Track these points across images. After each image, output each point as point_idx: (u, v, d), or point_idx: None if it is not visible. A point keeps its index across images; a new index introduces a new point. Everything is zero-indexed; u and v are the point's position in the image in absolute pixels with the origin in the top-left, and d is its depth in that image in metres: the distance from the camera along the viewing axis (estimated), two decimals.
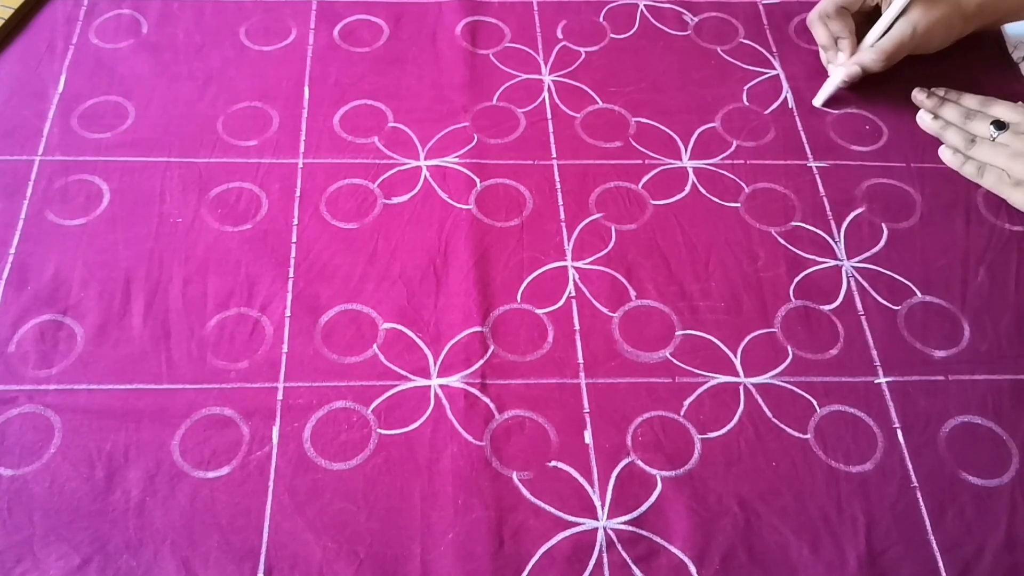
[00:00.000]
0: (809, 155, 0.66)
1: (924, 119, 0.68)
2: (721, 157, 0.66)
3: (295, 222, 0.61)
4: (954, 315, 0.59)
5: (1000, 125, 0.65)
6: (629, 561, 0.49)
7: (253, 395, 0.53)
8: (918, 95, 0.69)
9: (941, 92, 0.69)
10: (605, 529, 0.50)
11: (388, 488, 0.50)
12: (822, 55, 0.72)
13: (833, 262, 0.61)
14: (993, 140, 0.65)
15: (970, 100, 0.68)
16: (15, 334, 0.54)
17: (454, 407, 0.53)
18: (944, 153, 0.67)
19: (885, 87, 0.70)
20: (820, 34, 0.71)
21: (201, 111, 0.66)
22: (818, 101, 0.70)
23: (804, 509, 0.51)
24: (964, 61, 0.72)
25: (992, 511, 0.51)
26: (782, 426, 0.54)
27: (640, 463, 0.52)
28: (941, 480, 0.52)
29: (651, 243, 0.61)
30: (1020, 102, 0.67)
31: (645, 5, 0.76)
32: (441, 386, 0.54)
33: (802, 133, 0.68)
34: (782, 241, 0.62)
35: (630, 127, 0.67)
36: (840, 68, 0.69)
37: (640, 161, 0.65)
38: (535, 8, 0.75)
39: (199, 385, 0.53)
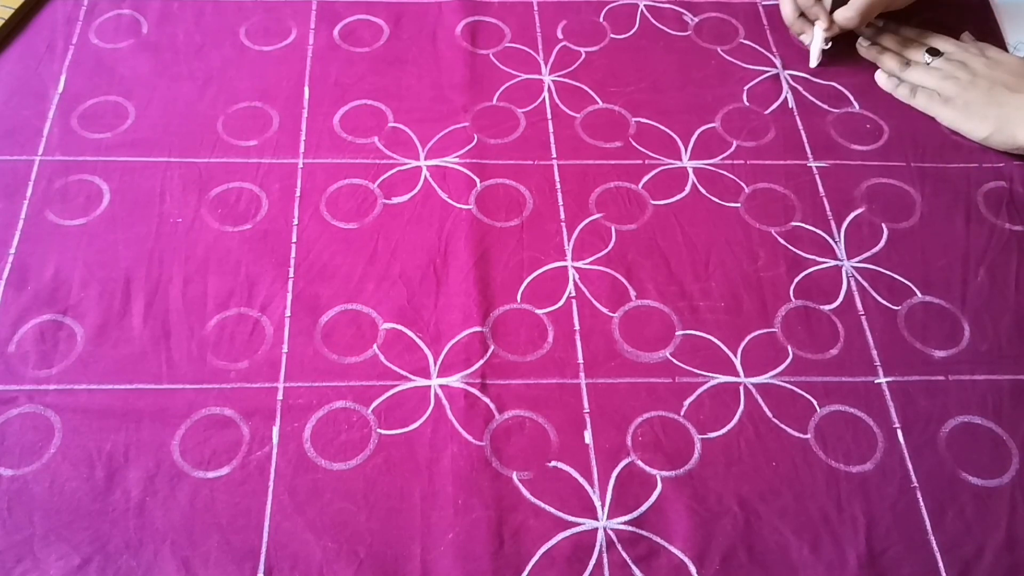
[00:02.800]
0: (809, 155, 0.66)
1: (862, 45, 0.72)
2: (721, 157, 0.66)
3: (295, 222, 0.61)
4: (954, 315, 0.59)
5: (935, 52, 0.69)
6: (629, 561, 0.49)
7: (253, 395, 0.53)
8: (861, 26, 0.71)
9: (880, 23, 0.73)
10: (605, 529, 0.50)
11: (388, 488, 0.50)
12: (790, 27, 0.73)
13: (833, 262, 0.61)
14: (928, 64, 0.69)
15: (908, 31, 0.72)
16: (15, 334, 0.54)
17: (454, 407, 0.53)
18: (879, 77, 0.71)
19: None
20: (787, 9, 0.72)
21: (201, 111, 0.66)
22: (813, 62, 0.72)
23: (804, 509, 0.51)
24: None
25: (992, 511, 0.51)
26: (782, 426, 0.54)
27: (640, 463, 0.52)
28: (941, 480, 0.52)
29: (651, 243, 0.61)
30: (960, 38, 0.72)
31: (645, 5, 0.76)
32: (441, 386, 0.54)
33: (802, 133, 0.68)
34: (782, 241, 0.62)
35: (630, 127, 0.67)
36: (820, 27, 0.70)
37: (640, 161, 0.65)
38: (535, 8, 0.75)
39: (199, 385, 0.53)
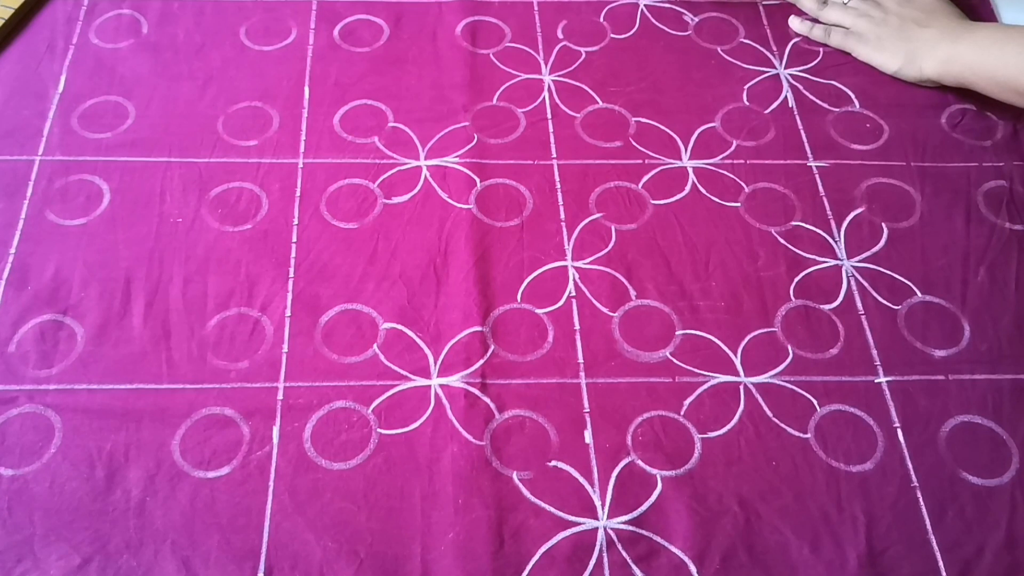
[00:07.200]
0: (809, 155, 0.66)
1: None
2: (721, 157, 0.66)
3: (295, 222, 0.61)
4: (954, 315, 0.59)
5: None
6: (629, 561, 0.49)
7: (253, 395, 0.53)
8: None
9: None
10: (605, 529, 0.50)
11: (388, 488, 0.50)
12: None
13: (833, 262, 0.61)
14: (845, 4, 0.71)
15: None
16: (15, 334, 0.54)
17: (454, 407, 0.53)
18: (793, 22, 0.74)
19: (885, 86, 0.70)
20: None
21: (201, 111, 0.66)
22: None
23: (804, 509, 0.51)
24: None
25: (992, 511, 0.51)
26: (782, 426, 0.54)
27: (640, 463, 0.52)
28: (941, 480, 0.52)
29: (651, 243, 0.61)
30: None
31: (645, 5, 0.76)
32: (441, 386, 0.54)
33: (802, 132, 0.68)
34: (782, 241, 0.62)
35: (630, 127, 0.67)
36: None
37: (640, 161, 0.65)
38: (535, 8, 0.75)
39: (199, 385, 0.53)
